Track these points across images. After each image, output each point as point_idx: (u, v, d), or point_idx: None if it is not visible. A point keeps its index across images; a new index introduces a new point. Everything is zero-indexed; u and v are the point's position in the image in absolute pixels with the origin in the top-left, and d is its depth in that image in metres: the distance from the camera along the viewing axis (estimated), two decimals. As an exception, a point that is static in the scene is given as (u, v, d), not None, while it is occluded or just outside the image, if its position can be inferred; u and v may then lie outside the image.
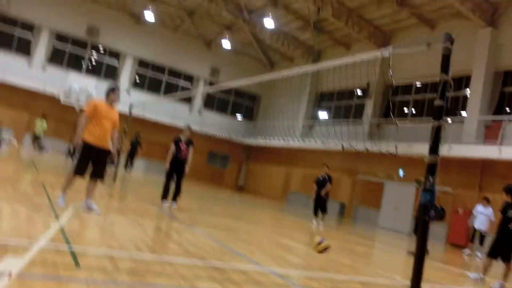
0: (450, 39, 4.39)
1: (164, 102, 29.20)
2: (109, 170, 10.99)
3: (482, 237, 14.00)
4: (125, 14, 29.77)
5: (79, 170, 7.16)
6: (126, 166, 22.09)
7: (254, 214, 14.75)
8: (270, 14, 24.99)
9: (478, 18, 18.67)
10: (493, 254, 7.97)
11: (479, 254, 13.70)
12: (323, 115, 28.51)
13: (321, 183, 14.16)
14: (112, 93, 7.49)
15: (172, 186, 10.63)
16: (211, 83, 31.13)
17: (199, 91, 30.89)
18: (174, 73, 31.62)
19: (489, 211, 14.01)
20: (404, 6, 21.12)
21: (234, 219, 11.71)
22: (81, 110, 8.38)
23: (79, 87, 25.75)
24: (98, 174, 7.30)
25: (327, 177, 14.22)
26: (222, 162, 33.21)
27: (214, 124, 31.47)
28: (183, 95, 27.43)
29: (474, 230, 14.18)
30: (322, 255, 6.63)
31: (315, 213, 14.16)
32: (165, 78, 31.36)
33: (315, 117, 28.59)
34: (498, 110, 18.29)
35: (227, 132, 31.64)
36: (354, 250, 10.00)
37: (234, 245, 7.08)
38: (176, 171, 10.69)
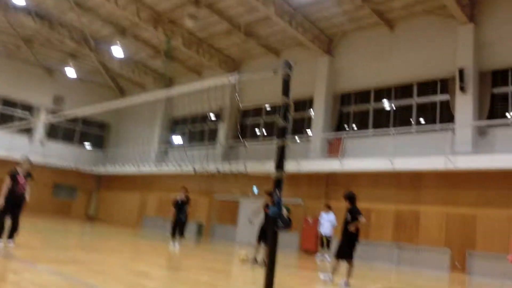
0: (289, 66, 4.65)
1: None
2: None
3: (328, 242, 15.24)
4: None
5: None
6: None
7: (108, 243, 13.82)
8: (118, 42, 24.24)
9: (317, 47, 20.41)
10: (338, 255, 8.54)
11: (327, 257, 14.87)
12: (177, 139, 28.35)
13: (180, 206, 14.04)
14: None
15: (8, 223, 9.41)
16: (54, 112, 28.91)
17: (40, 121, 28.45)
18: (9, 103, 28.70)
19: (331, 217, 15.27)
20: (251, 36, 22.14)
21: (85, 251, 10.79)
22: None
23: None
24: None
25: (185, 200, 14.21)
26: (69, 193, 30.87)
27: (59, 155, 29.23)
28: (20, 126, 25.03)
29: (322, 235, 15.32)
30: (178, 278, 6.37)
31: (173, 235, 13.96)
32: (-2, 108, 28.28)
33: (169, 142, 28.30)
34: (338, 128, 20.05)
35: (74, 162, 29.63)
36: (212, 267, 9.88)
37: (85, 277, 6.43)
38: (13, 206, 9.50)
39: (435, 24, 17.78)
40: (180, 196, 14.33)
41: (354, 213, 8.46)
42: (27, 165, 9.95)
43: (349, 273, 8.39)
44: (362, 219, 8.39)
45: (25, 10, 22.86)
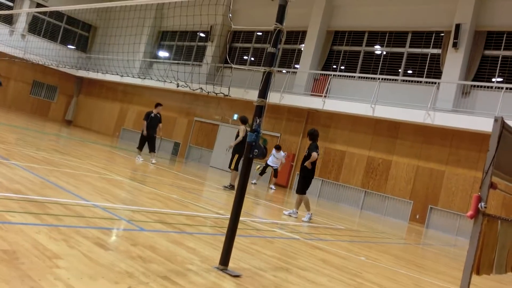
0: None
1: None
2: None
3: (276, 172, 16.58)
4: None
5: None
6: None
7: (83, 150, 13.91)
8: None
9: (318, -22, 19.69)
10: (298, 190, 9.10)
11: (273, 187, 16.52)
12: (163, 53, 27.74)
13: (152, 120, 13.89)
14: None
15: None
16: (39, 5, 27.65)
17: (23, 11, 27.20)
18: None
19: (280, 155, 16.23)
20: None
21: (60, 154, 10.87)
22: None
23: None
24: None
25: (159, 116, 14.09)
26: (49, 94, 30.30)
27: (41, 52, 28.32)
28: (2, 12, 23.91)
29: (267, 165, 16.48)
30: (149, 192, 6.53)
31: (140, 149, 14.05)
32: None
33: (155, 55, 27.71)
34: (327, 66, 19.90)
35: (56, 62, 28.81)
36: (183, 186, 10.14)
37: (57, 179, 6.55)
38: None
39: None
40: (154, 110, 14.14)
41: (309, 149, 8.85)
42: None
43: (297, 205, 8.94)
44: (313, 155, 8.76)
45: None
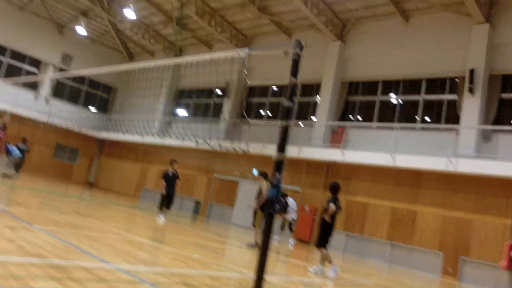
0: (300, 46, 4.62)
1: (4, 86, 25.98)
2: None
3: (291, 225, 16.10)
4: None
5: None
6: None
7: (104, 211, 13.95)
8: (131, 4, 23.94)
9: (329, 31, 20.18)
10: (318, 244, 8.86)
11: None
12: (181, 112, 28.26)
13: (172, 179, 14.02)
14: None
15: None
16: (62, 70, 28.75)
17: (47, 77, 28.24)
18: (17, 55, 28.39)
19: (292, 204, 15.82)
20: (264, 12, 21.91)
21: (82, 216, 10.91)
22: None
23: None
24: None
25: (176, 173, 14.21)
26: (72, 156, 30.85)
27: (64, 115, 29.11)
28: (28, 79, 24.85)
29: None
30: (170, 253, 6.44)
31: (161, 208, 14.06)
32: (6, 60, 27.98)
33: (173, 114, 28.23)
34: (343, 117, 19.97)
35: (78, 124, 29.54)
36: (205, 245, 9.99)
37: (79, 242, 6.53)
38: None
39: (450, 20, 17.54)
40: (170, 169, 14.28)
41: (328, 202, 8.76)
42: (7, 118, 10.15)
43: (323, 261, 8.67)
44: (331, 206, 8.62)
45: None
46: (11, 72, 27.74)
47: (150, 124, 25.89)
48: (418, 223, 15.99)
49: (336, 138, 18.99)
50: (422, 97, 17.99)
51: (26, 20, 28.35)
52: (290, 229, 16.19)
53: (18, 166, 19.45)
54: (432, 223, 15.67)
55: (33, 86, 28.66)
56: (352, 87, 20.21)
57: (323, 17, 19.86)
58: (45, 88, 29.26)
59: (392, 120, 18.41)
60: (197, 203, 23.41)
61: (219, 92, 25.79)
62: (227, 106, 24.27)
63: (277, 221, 16.07)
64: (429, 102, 17.89)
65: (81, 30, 28.29)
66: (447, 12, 17.56)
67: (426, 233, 15.72)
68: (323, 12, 19.79)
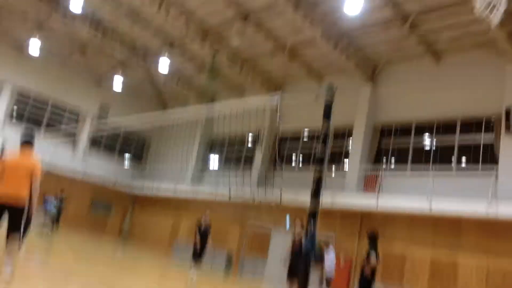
0: (332, 90, 4.58)
1: (44, 139, 26.83)
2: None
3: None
4: (6, 41, 27.54)
5: None
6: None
7: (138, 265, 13.88)
8: (166, 54, 24.68)
9: (360, 74, 20.13)
10: None
11: None
12: (214, 162, 28.28)
13: (204, 231, 13.98)
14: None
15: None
16: (99, 120, 29.63)
17: (86, 127, 29.11)
18: (57, 108, 29.60)
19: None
20: (295, 58, 22.09)
21: (115, 270, 10.85)
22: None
23: None
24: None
25: (208, 226, 14.17)
26: (105, 210, 31.14)
27: (100, 169, 29.74)
28: (67, 129, 25.61)
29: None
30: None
31: (194, 261, 13.89)
32: (48, 112, 29.16)
33: (206, 164, 28.27)
34: (376, 162, 19.51)
35: (112, 177, 30.00)
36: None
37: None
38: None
39: (483, 59, 17.15)
40: (204, 221, 14.25)
41: (368, 254, 8.37)
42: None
43: None
44: (372, 261, 8.22)
45: (82, 17, 23.56)
46: (52, 123, 28.82)
47: (183, 174, 26.04)
48: (461, 275, 14.99)
49: (370, 184, 18.49)
50: (457, 138, 17.43)
51: (66, 74, 29.58)
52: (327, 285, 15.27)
53: (54, 220, 19.91)
54: (476, 274, 14.65)
55: (71, 141, 29.53)
56: (385, 130, 19.86)
57: (353, 60, 19.90)
58: (83, 141, 30.08)
59: (427, 164, 17.83)
60: (230, 257, 22.77)
61: (251, 139, 25.81)
62: (259, 155, 24.17)
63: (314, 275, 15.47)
64: (464, 144, 17.29)
65: (118, 81, 29.24)
66: (479, 51, 17.24)
67: (470, 286, 14.66)
68: (353, 55, 19.82)
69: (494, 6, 7.08)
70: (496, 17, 7.08)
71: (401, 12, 17.15)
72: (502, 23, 14.65)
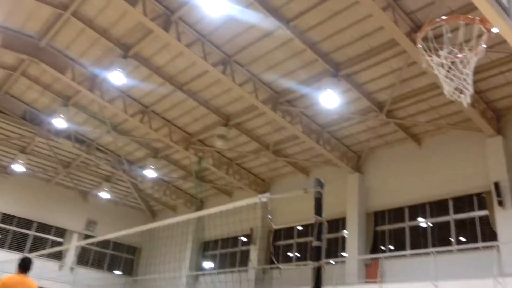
0: (320, 184, 4.66)
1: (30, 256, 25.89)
2: None
3: None
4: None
5: None
6: None
7: None
8: (151, 164, 24.93)
9: (345, 164, 20.44)
10: None
11: None
12: (208, 264, 27.58)
13: None
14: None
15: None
16: (86, 236, 28.91)
17: (72, 246, 28.29)
18: (43, 227, 28.88)
19: None
20: (279, 155, 22.48)
21: None
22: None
23: None
24: None
25: None
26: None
27: (88, 283, 28.47)
28: (53, 250, 24.83)
29: None
30: None
31: None
32: (32, 233, 28.40)
33: (200, 267, 27.49)
34: (374, 248, 19.19)
35: (103, 291, 28.64)
36: None
37: None
38: None
39: (463, 137, 17.67)
40: None
41: None
42: None
43: None
44: None
45: (66, 134, 24.07)
46: (37, 245, 28.03)
47: (177, 281, 25.13)
48: None
49: (371, 272, 18.03)
50: (451, 217, 17.42)
51: (51, 192, 29.32)
52: None
53: None
54: None
55: (58, 257, 28.47)
56: (379, 216, 19.77)
57: (337, 151, 20.33)
58: (70, 257, 29.11)
59: (425, 245, 17.61)
60: None
61: (244, 239, 25.40)
62: (254, 253, 23.68)
63: None
64: (460, 221, 17.24)
65: (104, 194, 29.13)
66: (457, 130, 17.86)
67: None
68: (336, 147, 20.31)
69: (461, 90, 7.56)
70: (466, 99, 7.51)
71: (376, 102, 17.91)
72: (473, 103, 15.51)
